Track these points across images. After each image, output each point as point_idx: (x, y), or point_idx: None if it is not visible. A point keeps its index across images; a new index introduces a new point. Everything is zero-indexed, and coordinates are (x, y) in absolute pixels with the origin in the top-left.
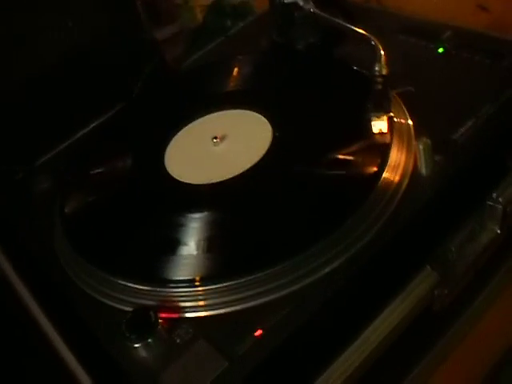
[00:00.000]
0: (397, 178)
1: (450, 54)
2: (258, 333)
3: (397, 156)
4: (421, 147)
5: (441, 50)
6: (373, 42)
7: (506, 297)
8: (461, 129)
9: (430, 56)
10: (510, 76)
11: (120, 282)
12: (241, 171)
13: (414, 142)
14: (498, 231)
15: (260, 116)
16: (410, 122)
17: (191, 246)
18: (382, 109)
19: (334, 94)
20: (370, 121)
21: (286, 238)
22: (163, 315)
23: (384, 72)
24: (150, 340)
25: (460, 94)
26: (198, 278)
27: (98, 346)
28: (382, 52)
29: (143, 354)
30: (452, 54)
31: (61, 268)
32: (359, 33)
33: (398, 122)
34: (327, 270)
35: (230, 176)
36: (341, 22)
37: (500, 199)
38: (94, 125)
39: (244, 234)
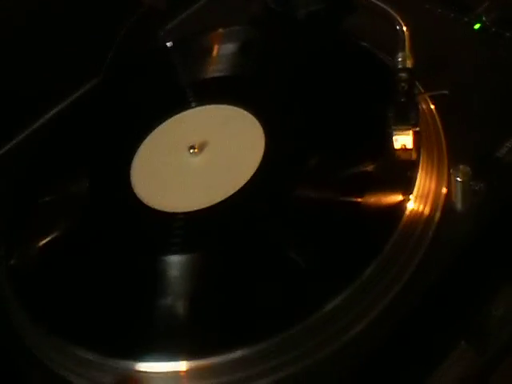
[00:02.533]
0: (426, 212)
1: (488, 31)
2: None
3: (425, 184)
4: (459, 179)
5: (477, 25)
6: (395, 19)
7: None
8: (506, 143)
9: (464, 34)
10: None
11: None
12: (219, 199)
13: (446, 162)
14: None
15: (250, 115)
16: (442, 134)
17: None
18: (407, 121)
19: (343, 88)
20: (391, 135)
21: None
22: None
23: (409, 64)
24: None
25: (505, 92)
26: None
27: None
28: (406, 31)
29: None
30: (491, 31)
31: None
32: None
33: (427, 135)
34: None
35: (208, 204)
36: None
37: None
38: (53, 112)
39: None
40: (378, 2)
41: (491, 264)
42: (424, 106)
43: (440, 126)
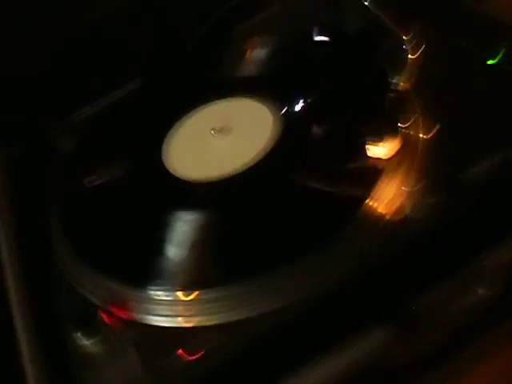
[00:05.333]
0: (384, 210)
1: (500, 68)
2: (185, 355)
3: (389, 186)
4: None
5: (491, 61)
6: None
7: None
8: (473, 168)
9: (474, 65)
10: None
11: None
12: (232, 172)
13: (412, 174)
14: (483, 293)
15: (264, 107)
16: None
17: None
18: (388, 127)
19: (355, 98)
20: (366, 142)
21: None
22: (110, 314)
23: (401, 84)
24: (92, 338)
25: (492, 122)
26: (148, 282)
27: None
28: (411, 55)
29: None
30: (503, 69)
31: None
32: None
33: (400, 147)
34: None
35: (220, 175)
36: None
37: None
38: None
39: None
40: (389, 22)
41: (428, 265)
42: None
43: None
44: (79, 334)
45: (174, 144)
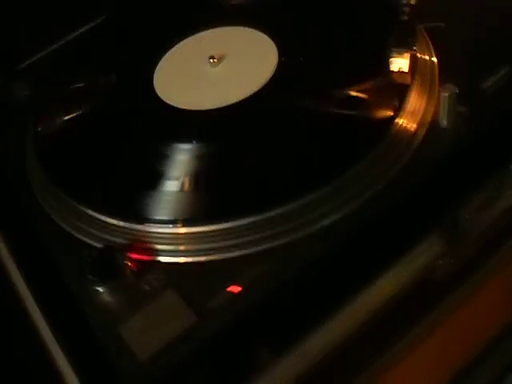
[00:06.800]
0: (413, 127)
1: None
2: (236, 289)
3: (417, 101)
4: (445, 95)
5: None
6: None
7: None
8: (492, 77)
9: None
10: None
11: (90, 212)
12: (236, 100)
13: (437, 88)
14: None
15: (265, 36)
16: (436, 63)
17: (175, 181)
18: (405, 44)
19: (351, 20)
20: (389, 57)
21: (281, 182)
22: (134, 256)
23: (412, 1)
24: (114, 284)
25: (496, 37)
26: (177, 219)
27: (61, 284)
28: None
29: (106, 298)
30: None
31: (30, 191)
32: None
33: (422, 61)
34: (324, 223)
35: (225, 104)
36: None
37: None
38: (81, 30)
39: (235, 173)
40: None
41: (464, 175)
42: (421, 37)
43: (434, 55)
44: (95, 280)
45: (167, 72)
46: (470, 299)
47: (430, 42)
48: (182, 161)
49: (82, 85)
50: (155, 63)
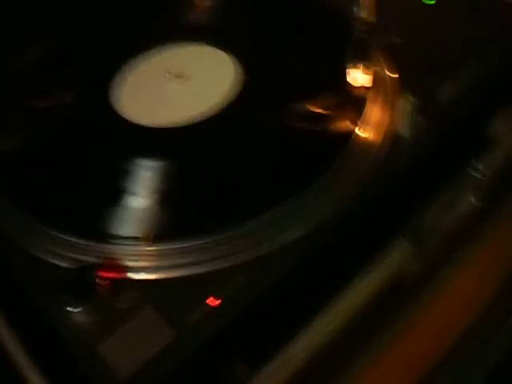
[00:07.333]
0: (373, 137)
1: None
2: (213, 302)
3: (375, 113)
4: (405, 106)
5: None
6: None
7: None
8: (447, 89)
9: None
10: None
11: (58, 234)
12: (198, 116)
13: (396, 100)
14: (476, 203)
15: (224, 54)
16: (395, 76)
17: (143, 197)
18: (363, 60)
19: (311, 37)
20: (348, 73)
21: (245, 197)
22: (106, 275)
23: (370, 19)
24: (89, 304)
25: (448, 49)
26: (148, 236)
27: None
28: None
29: (81, 319)
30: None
31: None
32: None
33: (380, 75)
34: (293, 236)
35: (187, 120)
36: None
37: (480, 167)
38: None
39: (204, 189)
40: None
41: (425, 181)
42: (378, 53)
43: (392, 69)
44: (68, 301)
45: (123, 88)
46: (438, 300)
47: (388, 58)
48: (146, 178)
49: (40, 105)
50: (114, 80)
